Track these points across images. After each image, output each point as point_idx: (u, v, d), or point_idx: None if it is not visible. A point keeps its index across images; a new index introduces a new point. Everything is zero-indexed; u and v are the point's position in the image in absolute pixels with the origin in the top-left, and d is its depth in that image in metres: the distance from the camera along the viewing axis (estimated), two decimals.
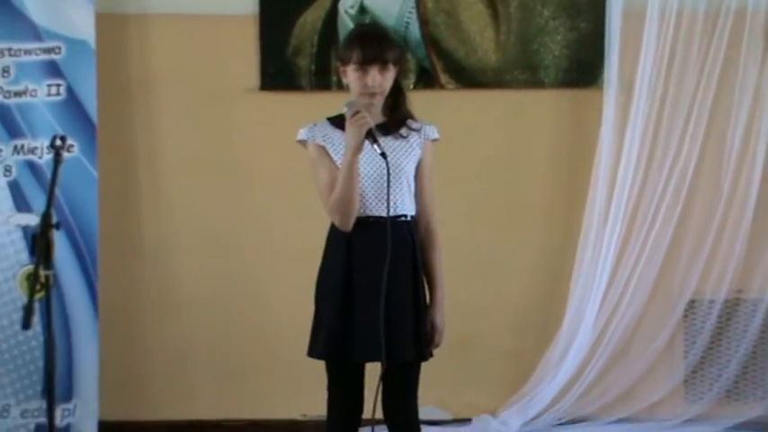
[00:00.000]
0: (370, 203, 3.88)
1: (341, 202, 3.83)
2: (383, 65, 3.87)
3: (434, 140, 4.02)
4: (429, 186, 4.00)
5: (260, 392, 5.69)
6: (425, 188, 3.99)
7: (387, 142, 3.89)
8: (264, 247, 5.65)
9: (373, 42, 3.92)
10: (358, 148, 3.79)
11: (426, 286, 4.01)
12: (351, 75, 3.91)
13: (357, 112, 3.79)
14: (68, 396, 5.35)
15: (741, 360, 5.68)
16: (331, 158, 3.90)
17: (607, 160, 5.57)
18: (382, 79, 3.88)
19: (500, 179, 5.69)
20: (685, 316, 5.69)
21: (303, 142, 4.00)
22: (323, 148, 3.93)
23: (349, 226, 3.87)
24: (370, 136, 3.78)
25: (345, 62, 3.93)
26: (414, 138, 3.96)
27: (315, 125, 3.98)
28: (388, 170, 3.79)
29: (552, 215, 5.69)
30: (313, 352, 3.96)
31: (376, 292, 3.79)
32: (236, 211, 5.67)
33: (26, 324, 3.37)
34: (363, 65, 3.87)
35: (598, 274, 5.58)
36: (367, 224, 3.87)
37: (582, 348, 5.57)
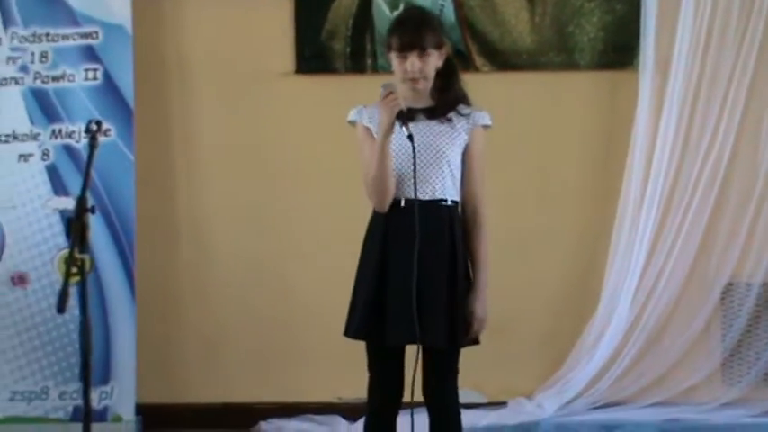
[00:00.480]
0: (408, 188, 3.88)
1: (374, 182, 3.84)
2: (422, 50, 3.87)
3: (485, 127, 4.00)
4: (477, 173, 3.98)
5: (296, 375, 5.70)
6: (473, 175, 3.97)
7: (430, 126, 3.90)
8: (299, 230, 5.67)
9: (411, 28, 3.92)
10: (388, 130, 3.79)
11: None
12: (393, 61, 3.93)
13: (390, 94, 3.80)
14: (106, 379, 5.39)
15: None
16: (374, 140, 3.92)
17: (643, 142, 5.54)
18: (422, 64, 3.87)
19: (535, 162, 5.67)
20: (722, 299, 5.66)
21: (353, 123, 4.01)
22: (368, 129, 3.94)
23: (384, 206, 3.88)
24: (401, 118, 3.78)
25: (388, 49, 3.95)
26: (461, 123, 3.95)
27: (365, 107, 3.99)
28: (414, 153, 3.79)
29: (588, 198, 5.67)
30: (348, 331, 3.97)
31: (407, 275, 3.80)
32: (271, 195, 5.68)
33: (61, 308, 3.37)
34: (402, 51, 3.88)
35: (634, 257, 5.55)
36: (403, 208, 3.88)
37: (618, 332, 5.55)
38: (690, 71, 5.52)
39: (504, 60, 5.63)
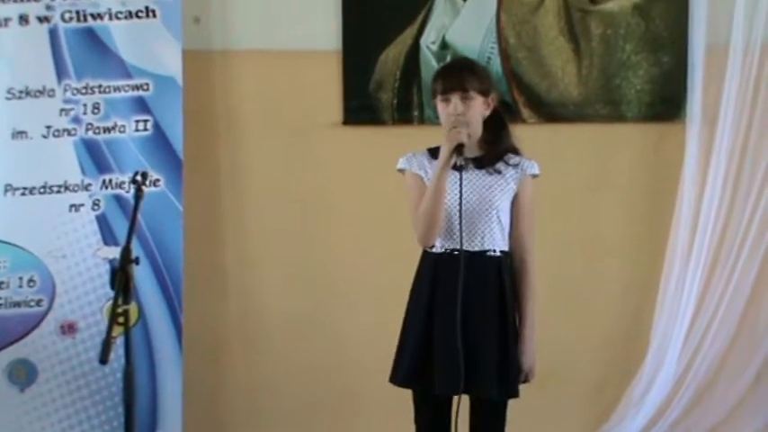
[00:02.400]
0: (456, 237, 3.89)
1: (425, 213, 3.86)
2: (464, 92, 3.91)
3: (534, 176, 4.03)
4: (526, 222, 4.01)
5: (343, 425, 5.69)
6: (522, 224, 4.00)
7: (479, 176, 3.93)
8: (347, 281, 5.67)
9: (454, 72, 3.99)
10: (447, 160, 3.82)
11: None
12: (438, 107, 3.97)
13: (455, 127, 3.84)
14: (153, 429, 5.40)
15: None
16: (424, 184, 3.94)
17: (690, 194, 5.52)
18: (465, 108, 3.90)
19: (582, 213, 5.66)
20: None
21: (402, 170, 4.05)
22: (418, 175, 3.98)
23: (431, 240, 3.90)
24: (458, 150, 3.81)
25: (433, 96, 4.00)
26: (510, 172, 3.98)
27: (414, 154, 4.04)
28: (460, 185, 3.83)
29: (635, 249, 5.65)
30: (394, 378, 3.99)
31: (453, 325, 3.80)
32: (319, 246, 5.70)
33: (103, 359, 3.39)
34: (445, 93, 3.93)
35: (682, 309, 5.52)
36: (451, 256, 3.89)
37: (665, 385, 5.51)
38: (737, 123, 5.51)
39: (550, 112, 5.64)
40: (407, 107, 5.62)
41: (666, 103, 5.62)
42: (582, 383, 5.65)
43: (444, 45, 5.62)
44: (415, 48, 5.63)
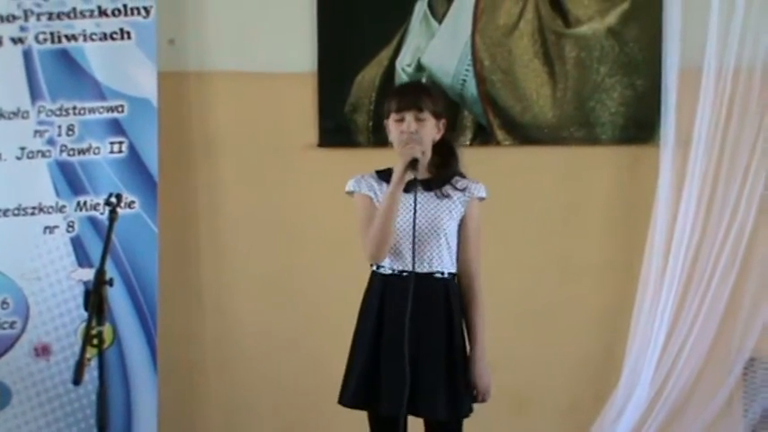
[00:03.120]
0: (406, 259, 3.91)
1: (378, 230, 3.89)
2: (419, 111, 3.94)
3: (481, 199, 4.05)
4: (473, 245, 4.03)
5: None
6: (469, 246, 4.03)
7: (427, 199, 3.97)
8: (323, 301, 5.67)
9: (409, 92, 4.07)
10: (400, 176, 3.86)
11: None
12: (391, 126, 4.02)
13: (408, 143, 3.88)
14: None
15: None
16: (373, 206, 3.98)
17: (664, 217, 5.54)
18: (418, 126, 3.93)
19: (556, 235, 5.68)
20: (744, 374, 5.62)
21: (351, 193, 4.09)
22: (368, 197, 4.02)
23: (382, 257, 3.93)
24: (412, 165, 3.85)
25: (387, 115, 4.04)
26: (457, 195, 4.00)
27: (362, 177, 4.09)
28: (414, 206, 3.85)
29: (609, 271, 5.66)
30: (342, 399, 4.02)
31: (400, 346, 3.82)
32: (294, 266, 5.70)
33: (77, 380, 3.39)
34: (399, 112, 3.97)
35: (655, 332, 5.53)
36: (399, 278, 3.91)
37: (639, 406, 5.52)
38: (711, 146, 5.52)
39: (525, 134, 5.66)
40: (383, 129, 5.52)
41: (640, 125, 5.64)
42: (556, 406, 5.66)
43: (420, 67, 5.64)
44: (390, 69, 5.65)
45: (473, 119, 5.64)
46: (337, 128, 5.66)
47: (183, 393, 5.66)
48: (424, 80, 5.55)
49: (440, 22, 5.63)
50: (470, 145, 5.56)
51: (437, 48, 5.64)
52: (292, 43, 5.67)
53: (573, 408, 5.63)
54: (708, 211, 5.54)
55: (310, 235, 5.69)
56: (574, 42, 5.63)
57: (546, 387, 5.59)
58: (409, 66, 5.64)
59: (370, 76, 5.65)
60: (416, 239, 3.88)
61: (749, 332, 5.57)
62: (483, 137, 5.63)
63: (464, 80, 5.63)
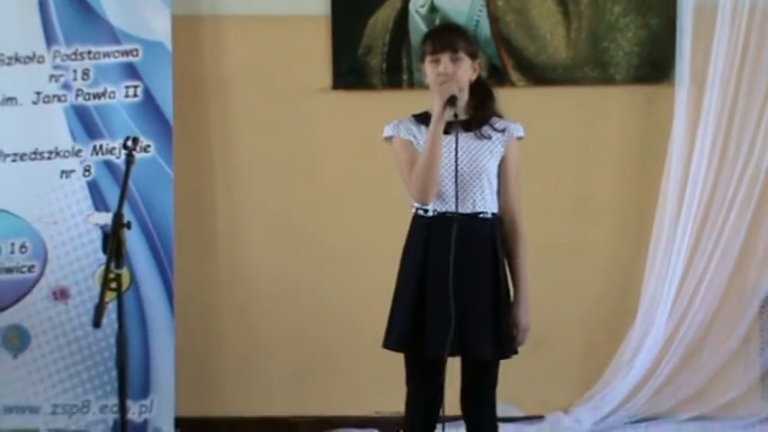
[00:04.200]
0: (449, 200, 3.91)
1: (422, 170, 3.86)
2: (453, 52, 3.93)
3: (519, 138, 4.05)
4: (514, 184, 4.03)
5: (333, 389, 5.73)
6: (510, 186, 4.02)
7: (467, 140, 3.95)
8: (337, 244, 5.69)
9: (444, 33, 4.03)
10: (440, 114, 3.83)
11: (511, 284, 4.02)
12: (427, 68, 3.99)
13: (444, 81, 3.86)
14: (145, 392, 5.44)
15: None
16: (415, 149, 3.95)
17: (679, 156, 5.54)
18: (454, 67, 3.92)
19: (572, 176, 5.68)
20: (761, 313, 5.64)
21: (389, 139, 4.06)
22: (408, 140, 3.99)
23: (428, 198, 3.91)
24: (450, 102, 3.83)
25: (422, 58, 4.02)
26: (497, 136, 3.99)
27: (400, 122, 4.05)
28: (456, 147, 3.83)
29: (624, 212, 5.67)
30: (388, 342, 3.99)
31: (445, 288, 3.83)
32: (309, 209, 5.71)
33: (96, 322, 3.41)
34: (434, 53, 3.95)
35: (671, 271, 5.54)
36: (443, 219, 3.91)
37: (655, 345, 5.55)
38: (726, 85, 5.51)
39: (539, 75, 5.65)
40: (397, 71, 5.62)
41: (655, 65, 5.62)
42: (572, 346, 5.69)
43: (433, 9, 5.62)
44: (404, 12, 5.63)
45: (487, 60, 5.61)
46: (351, 70, 5.65)
47: (199, 336, 5.70)
48: (437, 22, 5.53)
49: None
50: None
51: None
52: None
53: (590, 346, 5.66)
54: (723, 150, 5.54)
55: (325, 178, 5.70)
56: None
57: (563, 326, 5.61)
58: (423, 7, 5.62)
59: (383, 18, 5.63)
60: (459, 180, 3.87)
61: (765, 270, 5.58)
62: (497, 78, 5.61)
63: (477, 21, 5.61)
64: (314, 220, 5.73)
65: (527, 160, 5.30)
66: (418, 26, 5.57)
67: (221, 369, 5.77)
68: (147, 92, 5.42)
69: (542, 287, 5.45)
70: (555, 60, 5.64)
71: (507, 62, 5.64)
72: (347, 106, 5.62)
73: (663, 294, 5.55)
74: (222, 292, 5.76)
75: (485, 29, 5.60)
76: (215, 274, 5.75)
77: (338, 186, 5.69)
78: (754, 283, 5.60)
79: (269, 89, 5.68)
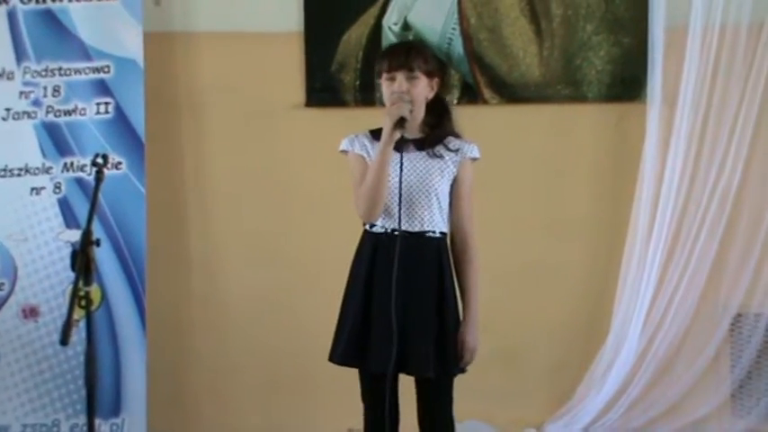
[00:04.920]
0: (395, 217, 3.93)
1: (368, 190, 3.89)
2: (409, 71, 3.93)
3: (474, 159, 4.05)
4: (466, 205, 4.04)
5: (306, 406, 5.71)
6: (462, 206, 4.03)
7: (419, 158, 3.97)
8: (310, 260, 5.69)
9: (401, 51, 4.03)
10: (389, 135, 3.84)
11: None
12: (383, 85, 4.00)
13: (395, 102, 3.88)
14: (117, 410, 5.42)
15: None
16: (366, 165, 3.97)
17: (651, 174, 5.56)
18: (410, 86, 3.92)
19: (544, 193, 5.69)
20: (731, 330, 5.66)
21: (345, 152, 4.08)
22: (361, 156, 4.01)
23: (374, 216, 3.94)
24: (400, 124, 3.84)
25: (379, 75, 4.03)
26: (450, 156, 4.00)
27: (356, 136, 4.07)
28: (401, 165, 3.86)
29: (597, 229, 5.68)
30: (333, 356, 4.02)
31: (388, 304, 3.85)
32: (282, 226, 5.71)
33: (64, 340, 3.40)
34: (390, 71, 3.95)
35: (643, 288, 5.56)
36: (390, 236, 3.93)
37: (627, 362, 5.56)
38: (697, 103, 5.54)
39: (512, 93, 5.66)
40: (370, 88, 5.62)
41: (627, 83, 5.65)
42: (545, 363, 5.69)
43: (406, 26, 5.63)
44: (377, 28, 5.64)
45: (460, 77, 5.63)
46: (324, 87, 5.66)
47: (171, 353, 5.67)
48: (411, 38, 5.53)
49: None
50: (457, 104, 5.55)
51: (424, 6, 5.63)
52: (278, 3, 5.67)
53: (562, 363, 5.66)
54: (694, 168, 5.56)
55: (297, 195, 5.70)
56: (560, 0, 5.62)
57: (535, 343, 5.62)
58: (396, 24, 5.63)
59: (356, 35, 5.64)
60: (406, 198, 3.90)
61: (735, 288, 5.60)
62: (470, 95, 5.63)
63: (451, 39, 5.62)
64: (287, 236, 5.72)
65: (499, 178, 5.33)
66: (391, 43, 5.57)
67: (193, 386, 5.76)
68: (118, 109, 5.41)
69: (515, 304, 5.50)
70: (527, 78, 5.65)
71: (480, 80, 5.65)
72: (320, 123, 5.62)
73: (635, 311, 5.57)
74: (194, 309, 5.74)
75: (458, 47, 5.61)
76: (187, 290, 5.74)
77: (311, 203, 5.69)
78: (725, 300, 5.61)
79: (242, 106, 5.68)
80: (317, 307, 5.66)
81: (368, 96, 5.63)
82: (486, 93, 5.66)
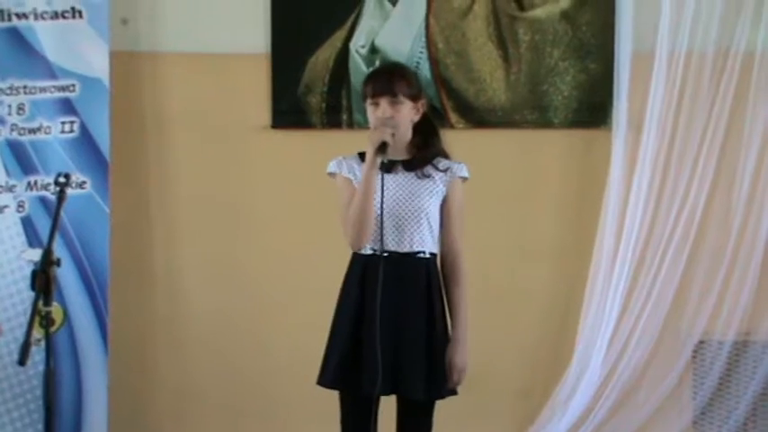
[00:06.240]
0: (387, 239, 3.92)
1: (355, 215, 3.87)
2: (393, 96, 3.94)
3: (464, 179, 4.06)
4: (457, 224, 4.04)
5: (271, 429, 5.68)
6: (453, 226, 4.03)
7: (408, 179, 3.97)
8: (275, 283, 5.67)
9: (384, 76, 4.03)
10: (371, 161, 3.84)
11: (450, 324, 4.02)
12: (368, 110, 4.00)
13: (381, 126, 3.88)
14: (77, 431, 5.36)
15: (750, 402, 5.65)
16: (355, 189, 3.96)
17: (616, 200, 5.58)
18: (393, 111, 3.93)
19: (509, 218, 5.70)
20: (694, 357, 5.68)
21: (332, 174, 4.06)
22: (348, 179, 3.99)
23: (362, 242, 3.92)
24: (381, 149, 3.84)
25: (364, 99, 4.03)
26: (439, 176, 4.01)
27: (344, 158, 4.05)
28: (382, 187, 3.85)
29: (561, 254, 5.69)
30: (322, 380, 3.99)
31: (380, 325, 3.83)
32: (247, 248, 5.69)
33: (22, 360, 3.39)
34: (374, 97, 3.96)
35: (607, 314, 5.57)
36: (380, 258, 3.91)
37: (590, 388, 5.56)
38: (662, 130, 5.57)
39: (478, 117, 5.68)
40: (336, 111, 5.63)
41: (593, 109, 5.67)
42: (508, 387, 5.69)
43: (374, 49, 5.64)
44: (344, 51, 5.64)
45: (427, 101, 5.63)
46: (290, 109, 5.65)
47: (133, 374, 5.64)
48: (377, 62, 5.54)
49: (394, 3, 5.63)
50: None
51: (391, 30, 5.64)
52: (245, 24, 5.65)
53: (525, 390, 5.66)
54: (659, 195, 5.59)
55: (263, 216, 5.68)
56: (527, 26, 5.65)
57: (499, 367, 5.61)
58: (363, 47, 5.64)
59: (323, 57, 5.64)
60: (395, 219, 3.90)
61: (698, 315, 5.62)
62: (437, 119, 5.61)
63: (418, 62, 5.63)
64: (252, 258, 5.70)
65: (465, 201, 5.33)
66: (358, 66, 5.59)
67: (155, 408, 5.72)
68: (83, 128, 5.39)
69: (479, 328, 5.45)
70: (494, 103, 5.67)
71: (447, 104, 5.66)
72: (287, 145, 5.62)
73: (599, 336, 5.58)
74: (158, 330, 5.71)
75: (425, 71, 5.62)
76: (151, 311, 5.71)
77: (277, 225, 5.68)
78: (689, 326, 5.63)
79: (208, 127, 5.67)
80: (281, 329, 5.66)
81: (334, 119, 5.63)
82: (453, 117, 5.67)
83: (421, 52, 5.64)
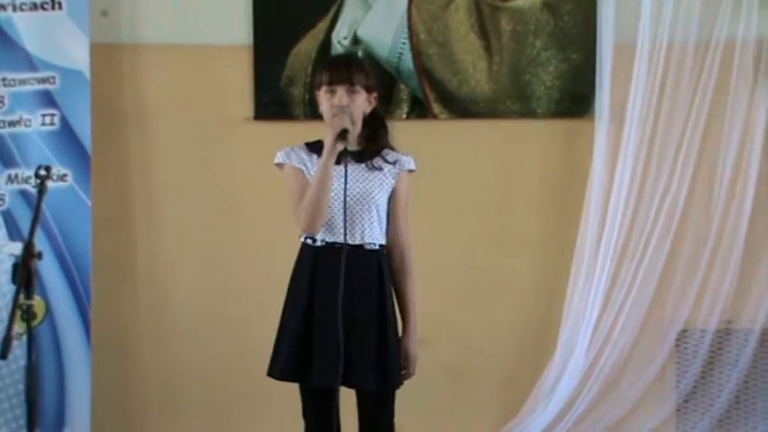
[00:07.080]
0: (337, 230, 3.93)
1: (311, 202, 3.90)
2: (350, 86, 3.96)
3: (410, 171, 4.09)
4: (403, 216, 4.07)
5: (256, 421, 5.68)
6: (399, 218, 4.06)
7: (359, 171, 3.99)
8: (258, 275, 5.65)
9: (341, 65, 4.06)
10: (331, 147, 3.87)
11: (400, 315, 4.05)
12: (321, 97, 4.03)
13: (338, 114, 3.91)
14: (60, 425, 5.35)
15: (732, 390, 5.68)
16: (306, 178, 3.98)
17: (599, 189, 5.59)
18: (350, 100, 3.95)
19: (492, 208, 5.70)
20: (677, 345, 5.70)
21: (280, 165, 4.09)
22: (299, 169, 4.02)
23: (317, 229, 3.94)
24: (342, 136, 3.87)
25: (318, 87, 4.05)
26: (388, 168, 4.03)
27: (292, 149, 4.09)
28: (345, 178, 3.88)
29: (544, 244, 5.71)
30: (272, 371, 4.04)
31: (334, 318, 3.85)
32: (230, 240, 5.68)
33: (3, 354, 3.37)
34: (331, 85, 3.98)
35: (590, 304, 5.59)
36: (331, 249, 3.93)
37: (574, 377, 5.58)
38: (644, 120, 5.59)
39: (461, 108, 5.68)
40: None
41: (575, 99, 5.69)
42: (492, 378, 5.69)
43: (356, 40, 5.63)
44: (326, 42, 5.63)
45: (409, 92, 5.64)
46: (273, 101, 5.64)
47: (116, 368, 5.62)
48: (360, 53, 5.54)
49: None
50: (407, 118, 5.57)
51: (373, 21, 5.63)
52: (227, 16, 5.64)
53: (509, 380, 5.67)
54: (642, 184, 5.61)
55: (246, 208, 5.68)
56: (509, 16, 5.65)
57: (482, 359, 5.63)
58: (345, 39, 5.63)
59: (305, 49, 5.63)
60: (348, 211, 3.91)
61: (682, 304, 5.65)
62: (419, 110, 5.64)
63: (400, 53, 5.63)
64: (235, 249, 5.69)
65: (447, 192, 5.34)
66: (332, 56, 5.57)
67: (140, 401, 5.71)
68: (64, 120, 5.36)
69: (463, 318, 5.50)
70: (477, 93, 5.67)
71: (430, 95, 5.66)
72: (269, 136, 5.56)
73: (582, 326, 5.59)
74: (142, 322, 5.70)
75: (408, 61, 5.62)
76: (134, 304, 5.69)
77: (260, 215, 5.66)
78: (671, 316, 5.66)
79: (190, 119, 5.65)
80: (265, 320, 5.59)
81: (317, 110, 5.53)
82: (436, 107, 5.67)
83: (403, 43, 5.63)
